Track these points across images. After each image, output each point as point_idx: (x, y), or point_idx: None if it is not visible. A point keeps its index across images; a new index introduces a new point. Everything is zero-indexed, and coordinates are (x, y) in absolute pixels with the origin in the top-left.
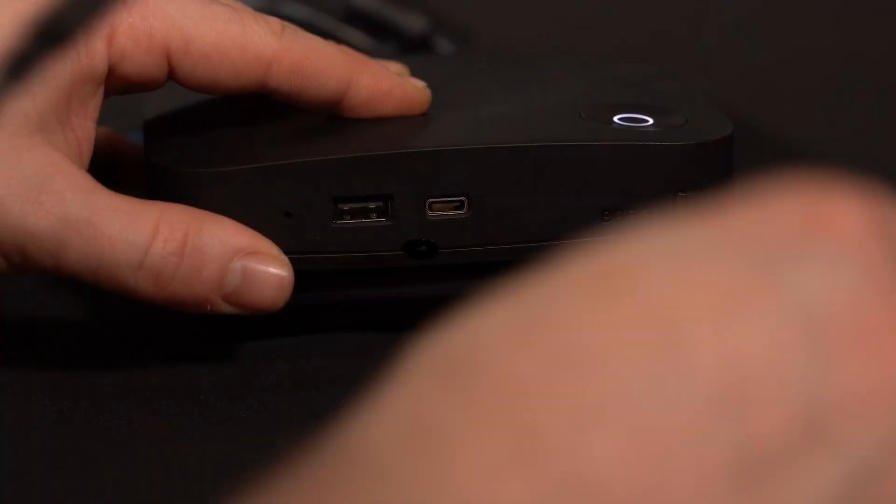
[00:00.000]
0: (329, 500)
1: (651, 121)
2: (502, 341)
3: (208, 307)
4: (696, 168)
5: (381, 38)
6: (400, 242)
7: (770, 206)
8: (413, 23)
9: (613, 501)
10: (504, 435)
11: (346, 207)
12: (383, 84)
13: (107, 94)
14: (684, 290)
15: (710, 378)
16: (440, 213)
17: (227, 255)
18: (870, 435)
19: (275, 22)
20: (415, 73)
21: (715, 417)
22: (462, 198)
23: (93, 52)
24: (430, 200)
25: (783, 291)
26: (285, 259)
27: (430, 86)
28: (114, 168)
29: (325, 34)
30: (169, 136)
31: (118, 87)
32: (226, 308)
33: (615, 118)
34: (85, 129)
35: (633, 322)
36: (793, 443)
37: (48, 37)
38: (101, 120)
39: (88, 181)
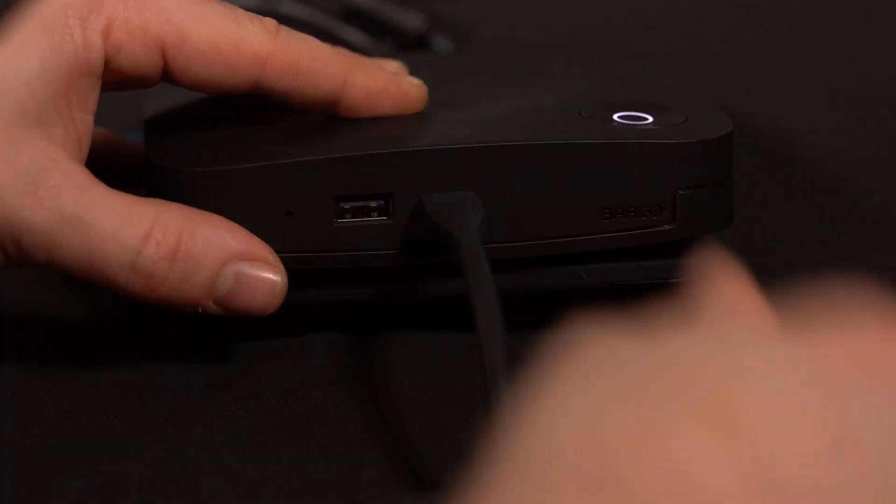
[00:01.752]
0: None
1: (651, 119)
2: (628, 451)
3: (199, 309)
4: (695, 166)
5: (379, 36)
6: (401, 241)
7: (861, 342)
8: (411, 21)
9: None
10: None
11: (347, 206)
12: (379, 82)
13: (102, 90)
14: (791, 432)
15: None
16: None
17: (220, 260)
18: None
19: (270, 22)
20: (413, 71)
21: None
22: None
23: (90, 45)
24: None
25: (863, 443)
26: (279, 264)
27: (428, 84)
28: (112, 169)
29: (324, 32)
30: (169, 135)
31: (113, 81)
32: (216, 310)
33: (615, 116)
34: (84, 122)
35: (745, 462)
36: None
37: None
38: (101, 121)
39: (86, 177)
